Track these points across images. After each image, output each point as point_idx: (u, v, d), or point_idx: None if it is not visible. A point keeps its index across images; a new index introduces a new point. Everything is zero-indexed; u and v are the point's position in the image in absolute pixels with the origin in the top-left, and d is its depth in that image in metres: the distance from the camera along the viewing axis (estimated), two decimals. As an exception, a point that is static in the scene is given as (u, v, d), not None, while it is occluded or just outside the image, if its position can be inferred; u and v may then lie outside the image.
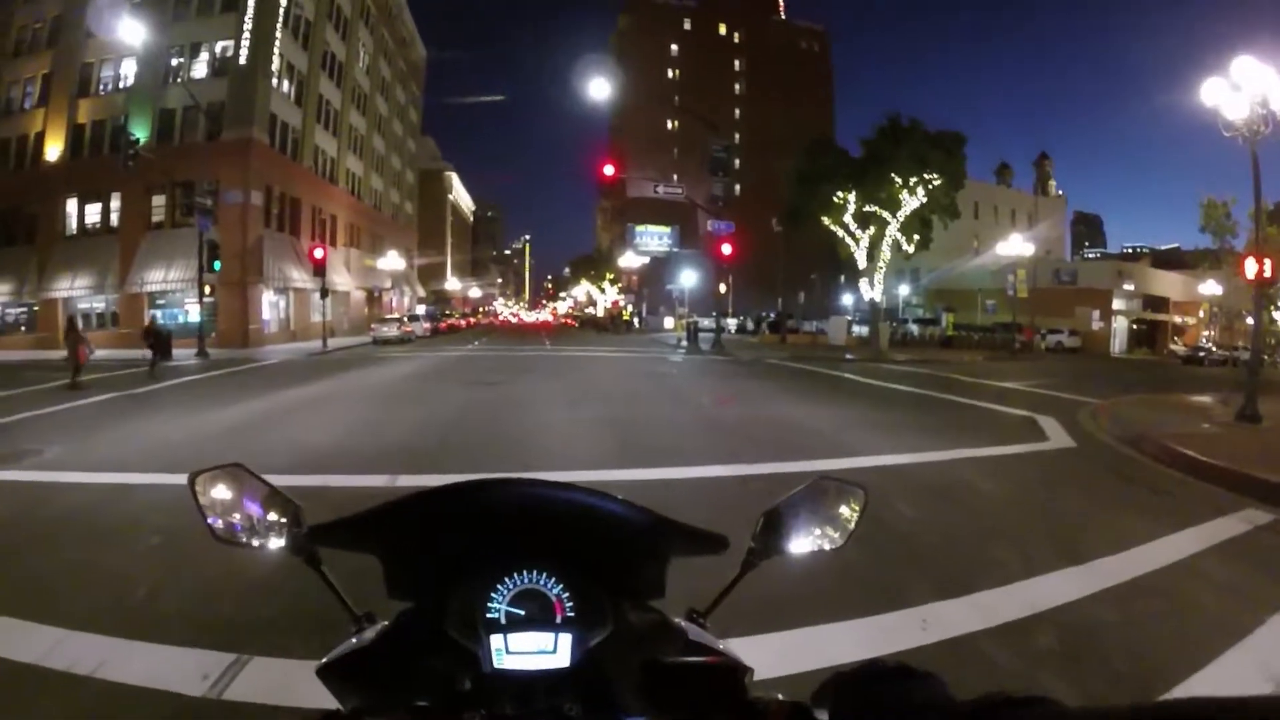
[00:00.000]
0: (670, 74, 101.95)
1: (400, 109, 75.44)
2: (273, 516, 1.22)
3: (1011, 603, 4.73)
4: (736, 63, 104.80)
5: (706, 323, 46.26)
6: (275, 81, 42.16)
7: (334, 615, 1.21)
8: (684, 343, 40.86)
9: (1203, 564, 5.82)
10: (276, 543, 1.21)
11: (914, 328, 54.92)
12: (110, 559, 5.43)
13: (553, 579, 1.07)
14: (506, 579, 1.07)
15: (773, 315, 62.28)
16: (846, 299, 61.11)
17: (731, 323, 55.82)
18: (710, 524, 1.16)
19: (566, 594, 1.07)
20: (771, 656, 3.75)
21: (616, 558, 1.13)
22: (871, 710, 0.86)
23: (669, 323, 69.90)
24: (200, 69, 40.41)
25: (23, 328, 40.56)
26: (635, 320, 77.59)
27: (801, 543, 1.31)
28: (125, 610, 4.40)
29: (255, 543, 1.22)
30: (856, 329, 49.19)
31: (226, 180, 36.89)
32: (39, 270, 39.24)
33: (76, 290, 38.77)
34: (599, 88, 31.28)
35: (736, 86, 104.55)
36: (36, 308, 40.11)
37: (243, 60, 39.63)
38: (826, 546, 1.32)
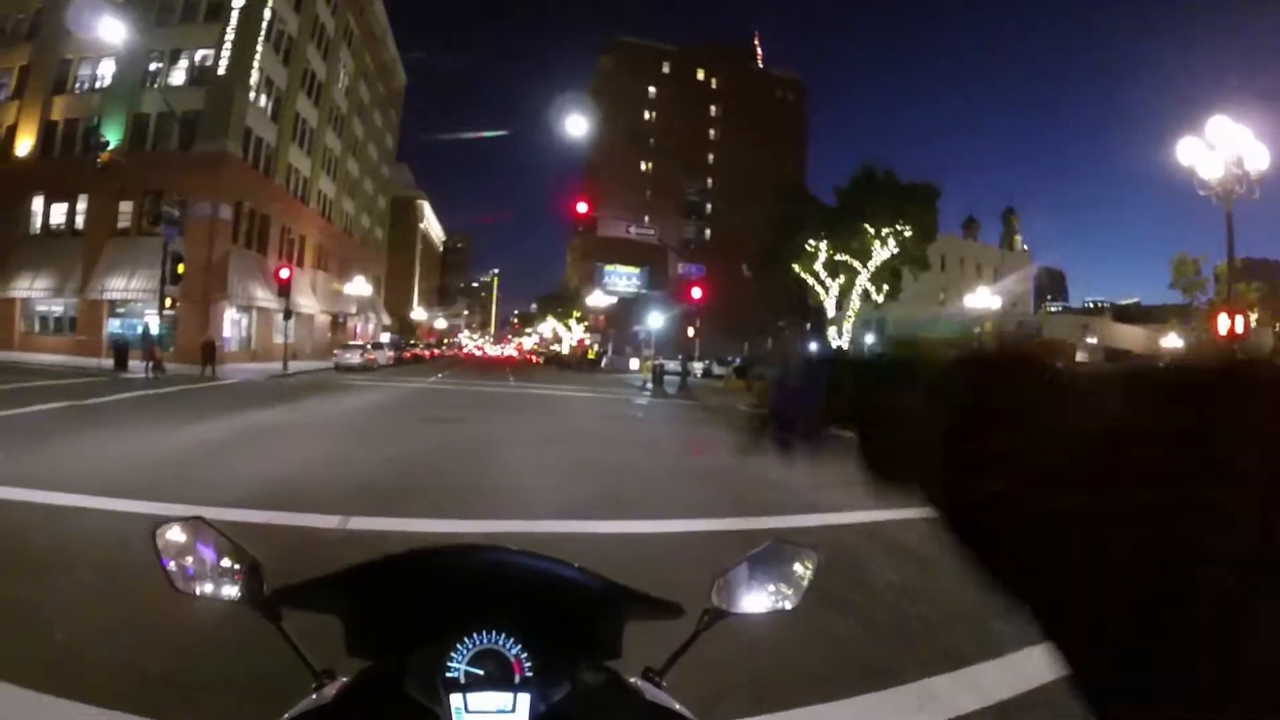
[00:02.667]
0: (647, 116, 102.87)
1: (377, 133, 75.28)
2: (234, 570, 1.24)
3: (1007, 677, 4.56)
4: (713, 108, 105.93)
5: (672, 365, 46.11)
6: (253, 95, 41.84)
7: (291, 676, 1.22)
8: (649, 385, 40.58)
9: None
10: (235, 596, 1.22)
11: (881, 377, 55.12)
12: (35, 595, 4.80)
13: (511, 640, 1.08)
14: (466, 639, 1.07)
15: (739, 360, 62.34)
16: (813, 347, 61.32)
17: (698, 366, 55.56)
18: (685, 580, 1.29)
19: (525, 654, 1.07)
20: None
21: (574, 621, 1.15)
22: None
23: (634, 364, 69.71)
24: (179, 76, 40.06)
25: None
26: (601, 360, 77.31)
27: (756, 602, 1.37)
28: (46, 658, 3.88)
29: (215, 596, 1.23)
30: (822, 377, 49.30)
31: (196, 192, 36.33)
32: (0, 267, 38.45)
33: (36, 291, 38.04)
34: (576, 125, 31.28)
35: (711, 132, 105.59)
36: (-8, 306, 39.07)
37: (222, 71, 39.35)
38: (782, 606, 1.37)
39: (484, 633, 1.07)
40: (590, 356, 78.62)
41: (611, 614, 1.18)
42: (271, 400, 20.36)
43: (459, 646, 1.06)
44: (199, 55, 39.88)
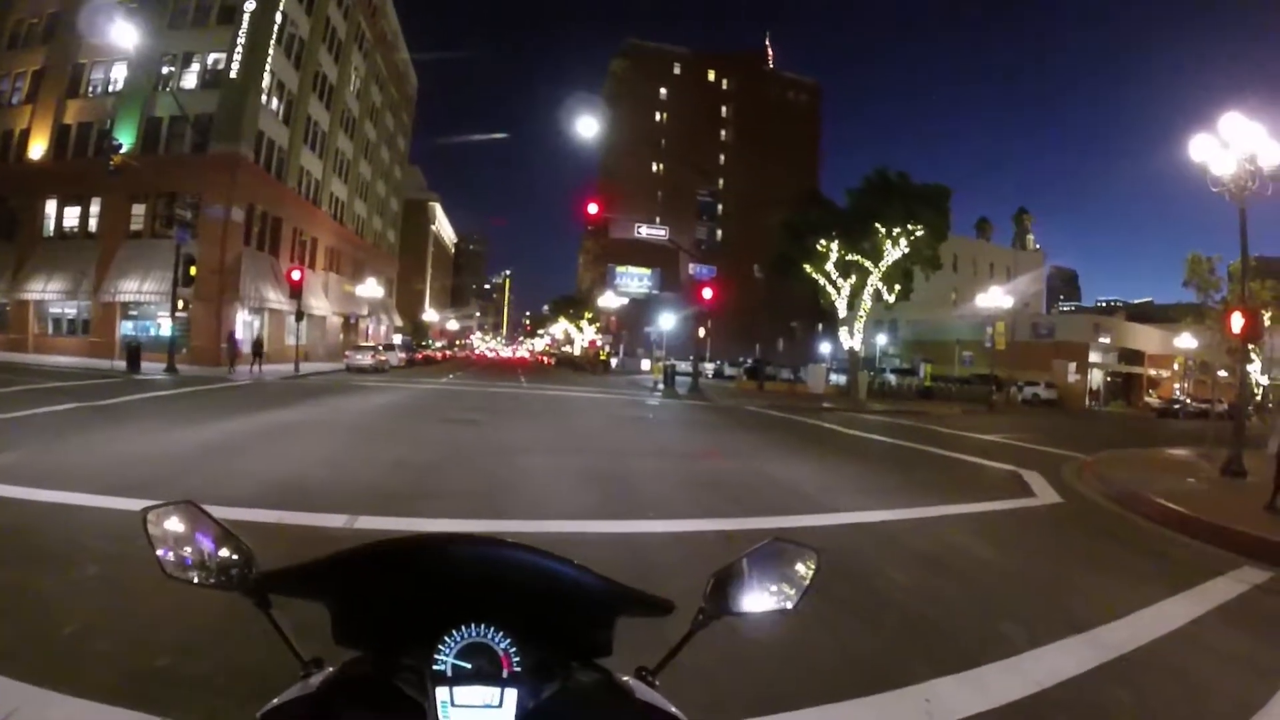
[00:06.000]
0: (659, 118, 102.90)
1: (389, 136, 75.54)
2: (224, 556, 1.23)
3: (1015, 679, 4.51)
4: (725, 109, 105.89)
5: (684, 366, 46.14)
6: (265, 98, 42.01)
7: (282, 673, 1.19)
8: (660, 386, 40.59)
9: (1206, 630, 5.70)
10: (226, 583, 1.21)
11: (892, 378, 54.99)
12: (41, 588, 4.93)
13: (501, 634, 1.07)
14: (455, 632, 1.06)
15: (751, 361, 62.31)
16: (825, 348, 61.28)
17: (709, 367, 55.70)
18: (693, 579, 1.26)
19: (514, 650, 1.07)
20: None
21: (565, 617, 1.14)
22: None
23: (646, 365, 69.76)
24: (191, 80, 40.19)
25: (-8, 328, 39.76)
26: (612, 361, 77.35)
27: (753, 602, 1.34)
28: (47, 650, 3.94)
29: (205, 581, 1.21)
30: (834, 377, 49.18)
31: (209, 194, 36.49)
32: (15, 270, 38.67)
33: (49, 294, 38.31)
34: (587, 126, 31.44)
35: (724, 133, 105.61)
36: (8, 308, 39.38)
37: (234, 74, 39.43)
38: (781, 607, 1.34)
39: (473, 626, 1.06)
40: (602, 358, 78.77)
41: (603, 610, 1.16)
42: (282, 401, 20.42)
43: (447, 639, 1.05)
44: (211, 58, 40.00)
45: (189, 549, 1.22)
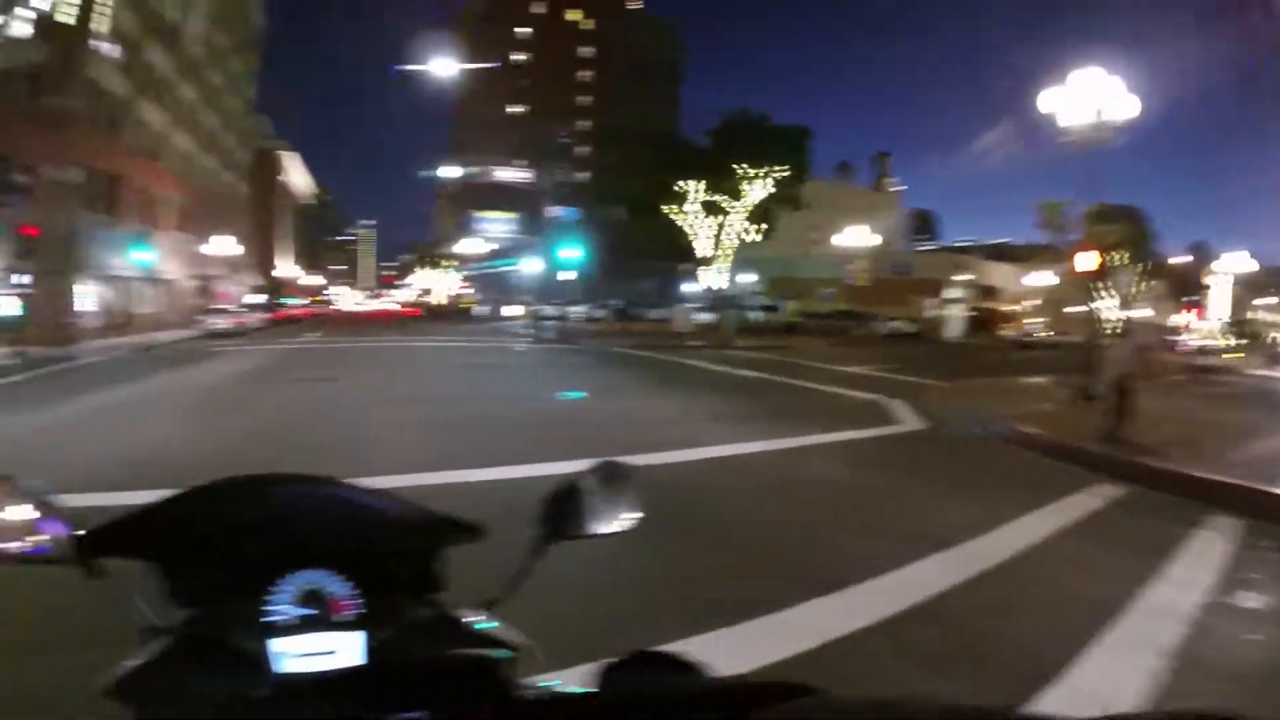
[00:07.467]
0: (519, 58, 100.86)
1: (234, 83, 71.51)
2: (43, 526, 1.13)
3: (886, 596, 4.79)
4: (585, 50, 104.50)
5: (551, 310, 46.13)
6: (99, 46, 38.96)
7: (119, 639, 1.12)
8: (528, 331, 40.50)
9: (1066, 541, 6.17)
10: (47, 554, 1.11)
11: (759, 314, 56.13)
12: None
13: (331, 577, 1.06)
14: (283, 580, 1.05)
15: (618, 303, 62.59)
16: (691, 287, 62.04)
17: (577, 310, 55.62)
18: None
19: (346, 592, 1.06)
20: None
21: (393, 553, 1.14)
22: (636, 695, 0.94)
23: (512, 311, 69.23)
24: (18, 29, 36.89)
25: None
26: (477, 309, 76.29)
27: (587, 525, 1.31)
28: None
29: (23, 555, 1.11)
30: (700, 316, 49.94)
31: (42, 155, 33.92)
32: None
33: None
34: (445, 67, 30.74)
35: (585, 74, 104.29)
36: None
37: (62, 19, 36.29)
38: (616, 527, 1.32)
39: (302, 571, 1.06)
40: (465, 305, 77.54)
41: (426, 542, 1.16)
42: (134, 375, 19.63)
43: (277, 588, 1.05)
44: (40, 3, 36.64)
45: (3, 523, 1.12)
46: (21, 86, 34.04)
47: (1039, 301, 62.61)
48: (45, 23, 36.65)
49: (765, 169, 38.05)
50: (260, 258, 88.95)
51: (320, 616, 1.04)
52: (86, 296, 37.23)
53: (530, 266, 56.11)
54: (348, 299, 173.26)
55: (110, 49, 40.52)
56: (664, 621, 4.35)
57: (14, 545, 1.11)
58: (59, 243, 33.82)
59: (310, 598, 1.05)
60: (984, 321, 64.44)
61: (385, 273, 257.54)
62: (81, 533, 1.11)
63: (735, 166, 38.20)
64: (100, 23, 38.50)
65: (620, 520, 1.34)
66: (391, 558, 1.14)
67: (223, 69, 65.25)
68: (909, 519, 6.87)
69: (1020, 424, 11.23)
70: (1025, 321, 64.17)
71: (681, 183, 40.06)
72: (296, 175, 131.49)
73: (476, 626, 1.13)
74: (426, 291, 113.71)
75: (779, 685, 0.76)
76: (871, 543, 6.07)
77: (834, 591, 4.85)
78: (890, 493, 7.95)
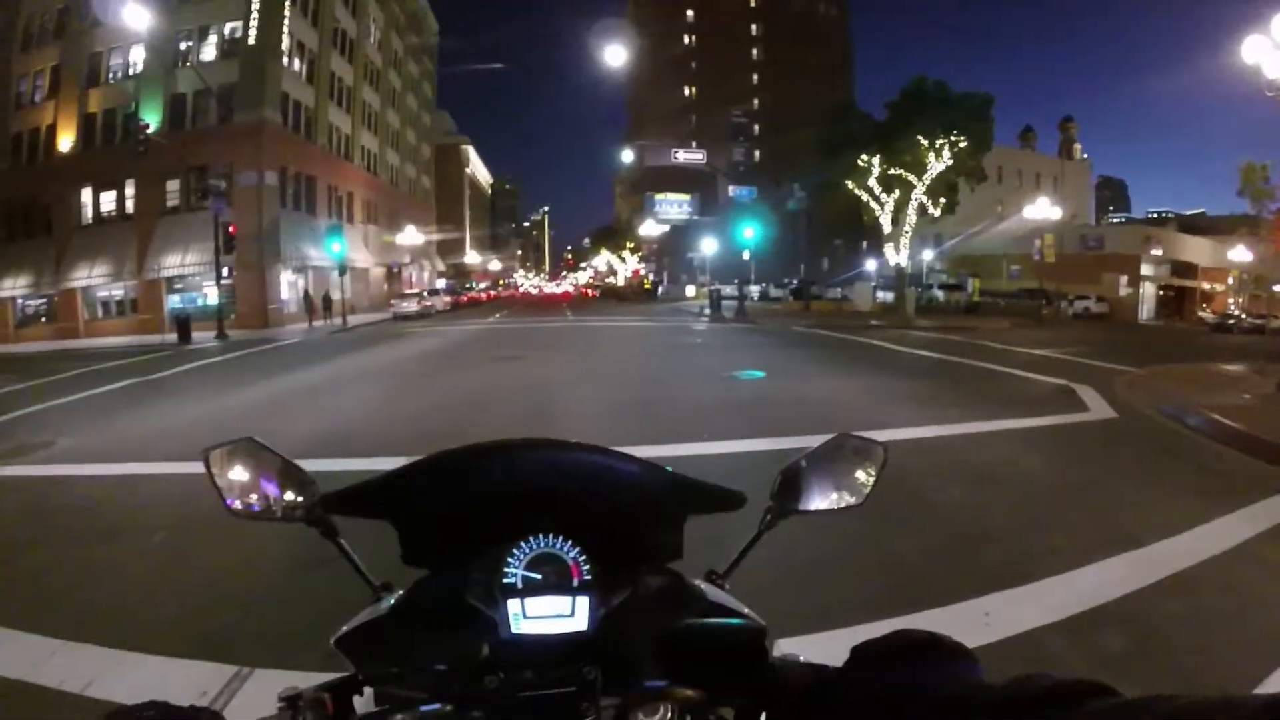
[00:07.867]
0: (687, 40, 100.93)
1: (414, 83, 75.09)
2: (287, 488, 1.22)
3: (1074, 594, 4.48)
4: (754, 28, 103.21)
5: (729, 290, 45.86)
6: (286, 60, 41.91)
7: (349, 607, 1.14)
8: (706, 311, 40.44)
9: (1262, 547, 5.54)
10: (290, 514, 1.20)
11: (939, 293, 54.02)
12: (111, 558, 5.24)
13: (569, 543, 1.05)
14: (523, 543, 1.04)
15: (796, 282, 61.63)
16: (870, 265, 60.39)
17: (755, 290, 55.16)
18: (754, 494, 1.20)
19: (583, 558, 1.05)
20: (822, 657, 3.45)
21: (634, 519, 1.11)
22: (895, 686, 0.83)
23: (690, 291, 69.47)
24: (210, 52, 40.09)
25: (43, 319, 40.59)
26: (657, 289, 77.18)
27: (820, 501, 1.29)
28: (122, 617, 4.17)
29: (270, 515, 1.21)
30: (880, 295, 48.52)
31: (240, 162, 36.91)
32: (57, 261, 39.23)
33: (95, 279, 38.86)
34: (614, 55, 30.87)
35: (754, 52, 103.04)
36: (56, 298, 40.15)
37: (252, 40, 39.27)
38: (845, 504, 1.29)
39: (542, 536, 1.05)
40: (646, 286, 78.61)
41: (672, 507, 1.14)
42: (332, 355, 20.96)
43: (516, 552, 1.04)
44: (227, 28, 39.77)
45: (251, 485, 1.21)
46: (217, 103, 36.65)
47: (1241, 279, 56.99)
48: (235, 43, 39.56)
49: (946, 139, 36.51)
50: (446, 245, 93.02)
51: (556, 580, 1.03)
52: (285, 285, 40.01)
53: (708, 246, 56.16)
54: (528, 282, 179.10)
55: (296, 64, 43.29)
56: (859, 601, 4.32)
57: (258, 505, 1.20)
58: (258, 238, 36.53)
59: (547, 561, 1.04)
60: (1180, 301, 59.63)
61: (565, 255, 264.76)
62: (322, 495, 1.17)
63: (917, 139, 36.83)
64: (285, 40, 41.07)
65: (849, 497, 1.30)
66: (636, 523, 1.12)
67: (402, 72, 68.55)
68: (1095, 513, 6.35)
69: (1217, 415, 10.20)
70: (1225, 301, 59.04)
71: (863, 157, 38.99)
72: (478, 166, 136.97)
73: (710, 598, 1.12)
74: (612, 273, 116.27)
75: (1078, 683, 0.68)
76: (1056, 536, 5.66)
77: (1023, 584, 4.61)
78: (1076, 484, 7.36)
